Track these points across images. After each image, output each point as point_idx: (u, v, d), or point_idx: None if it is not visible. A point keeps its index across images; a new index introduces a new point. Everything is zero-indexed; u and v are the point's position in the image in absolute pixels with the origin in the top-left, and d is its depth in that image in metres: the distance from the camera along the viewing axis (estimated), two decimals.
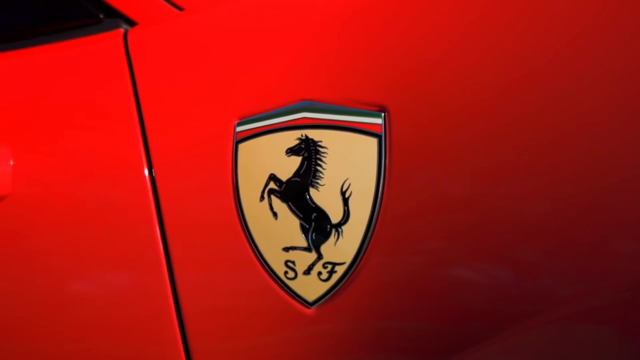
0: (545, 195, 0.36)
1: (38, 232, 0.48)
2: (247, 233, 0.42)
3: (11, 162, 0.48)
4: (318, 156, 0.41)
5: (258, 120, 0.42)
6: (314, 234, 0.41)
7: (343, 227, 0.40)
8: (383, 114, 0.39)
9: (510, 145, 0.37)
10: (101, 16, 0.51)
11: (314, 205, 0.41)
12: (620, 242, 0.36)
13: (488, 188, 0.38)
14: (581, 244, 0.36)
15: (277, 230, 0.42)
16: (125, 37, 0.48)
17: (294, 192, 0.41)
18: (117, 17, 0.50)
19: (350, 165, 0.40)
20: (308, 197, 0.41)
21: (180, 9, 0.49)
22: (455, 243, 0.39)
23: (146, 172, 0.45)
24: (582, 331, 0.39)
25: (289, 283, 0.42)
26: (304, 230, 0.41)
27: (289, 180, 0.42)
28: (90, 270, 0.48)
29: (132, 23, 0.50)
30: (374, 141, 0.39)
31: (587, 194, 0.35)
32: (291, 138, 0.41)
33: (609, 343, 0.39)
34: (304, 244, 0.41)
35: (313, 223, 0.41)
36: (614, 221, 0.35)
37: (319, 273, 0.41)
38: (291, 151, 0.41)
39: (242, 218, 0.42)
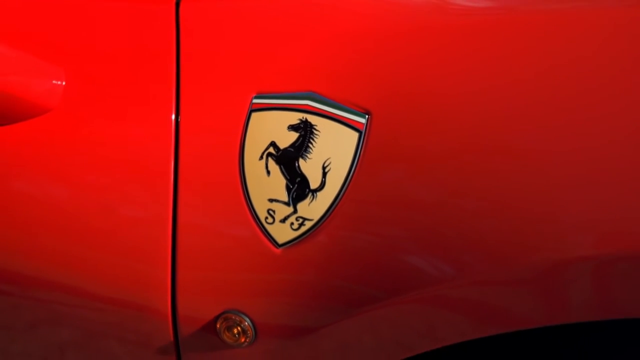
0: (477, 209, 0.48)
1: (68, 143, 0.57)
2: (243, 181, 0.53)
3: (63, 83, 0.59)
4: (311, 136, 0.52)
5: (272, 98, 0.53)
6: (295, 193, 0.52)
7: (318, 193, 0.51)
8: (367, 116, 0.51)
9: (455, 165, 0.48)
10: None
11: (299, 172, 0.52)
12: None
13: (434, 195, 0.49)
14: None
15: (267, 185, 0.53)
16: (177, 4, 0.59)
17: (287, 158, 0.52)
18: None
19: (334, 148, 0.51)
20: (297, 164, 0.52)
21: None
22: (394, 230, 0.50)
23: (173, 117, 0.55)
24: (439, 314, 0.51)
25: (267, 226, 0.53)
26: (288, 189, 0.52)
27: (285, 149, 0.52)
28: (107, 188, 0.56)
29: None
30: (355, 135, 0.51)
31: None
32: (294, 118, 0.52)
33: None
34: (286, 199, 0.52)
35: (296, 185, 0.52)
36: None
37: (292, 224, 0.52)
38: (292, 128, 0.53)
39: (242, 169, 0.53)
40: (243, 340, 0.55)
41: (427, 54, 0.51)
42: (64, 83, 0.58)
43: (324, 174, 0.51)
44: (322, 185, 0.51)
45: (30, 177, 0.59)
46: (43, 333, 0.65)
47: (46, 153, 0.58)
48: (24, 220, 0.59)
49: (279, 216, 0.52)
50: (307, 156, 0.52)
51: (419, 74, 0.50)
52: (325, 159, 0.51)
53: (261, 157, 0.53)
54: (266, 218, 0.53)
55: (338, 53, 0.53)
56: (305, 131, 0.52)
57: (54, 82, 0.58)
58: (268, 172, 0.53)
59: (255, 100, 0.54)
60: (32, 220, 0.59)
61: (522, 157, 0.46)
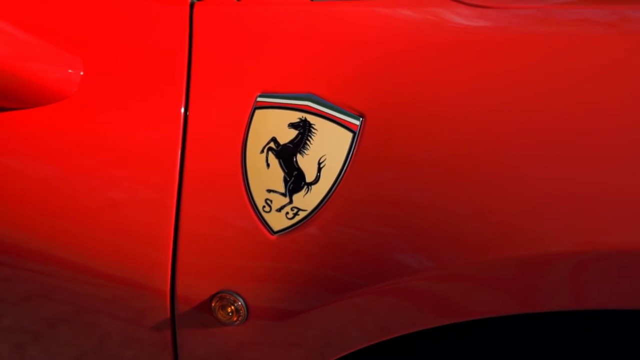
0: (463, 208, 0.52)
1: (82, 130, 0.61)
2: (244, 172, 0.57)
3: (81, 73, 0.63)
4: (309, 134, 0.57)
5: (275, 97, 0.58)
6: (292, 185, 0.56)
7: (312, 186, 0.56)
8: (361, 118, 0.55)
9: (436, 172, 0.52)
10: None
11: (297, 166, 0.56)
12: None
13: (419, 197, 0.53)
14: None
15: (266, 176, 0.57)
16: (191, 5, 0.64)
17: (286, 153, 0.57)
18: None
19: (329, 146, 0.56)
20: (295, 159, 0.56)
21: None
22: (379, 226, 0.54)
23: (182, 110, 0.60)
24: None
25: (264, 215, 0.57)
26: (285, 181, 0.56)
27: (284, 144, 0.57)
28: (116, 175, 0.60)
29: None
30: (349, 135, 0.55)
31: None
32: (294, 116, 0.57)
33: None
34: (283, 190, 0.57)
35: (293, 178, 0.56)
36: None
37: (287, 213, 0.56)
38: (292, 125, 0.57)
39: (243, 161, 0.57)
40: (235, 319, 0.59)
41: (424, 67, 0.55)
42: (82, 73, 0.62)
43: (319, 169, 0.56)
44: (317, 179, 0.56)
45: (43, 160, 0.63)
46: (36, 308, 0.68)
47: (60, 138, 0.62)
48: (35, 200, 0.63)
49: (275, 205, 0.57)
50: (304, 152, 0.57)
51: (414, 85, 0.55)
52: (321, 156, 0.56)
53: (262, 151, 0.58)
54: (264, 207, 0.57)
55: (339, 60, 0.58)
56: (304, 129, 0.57)
57: (72, 71, 0.62)
58: (268, 165, 0.57)
59: (259, 99, 0.58)
60: (43, 200, 0.62)
61: (506, 165, 0.51)
